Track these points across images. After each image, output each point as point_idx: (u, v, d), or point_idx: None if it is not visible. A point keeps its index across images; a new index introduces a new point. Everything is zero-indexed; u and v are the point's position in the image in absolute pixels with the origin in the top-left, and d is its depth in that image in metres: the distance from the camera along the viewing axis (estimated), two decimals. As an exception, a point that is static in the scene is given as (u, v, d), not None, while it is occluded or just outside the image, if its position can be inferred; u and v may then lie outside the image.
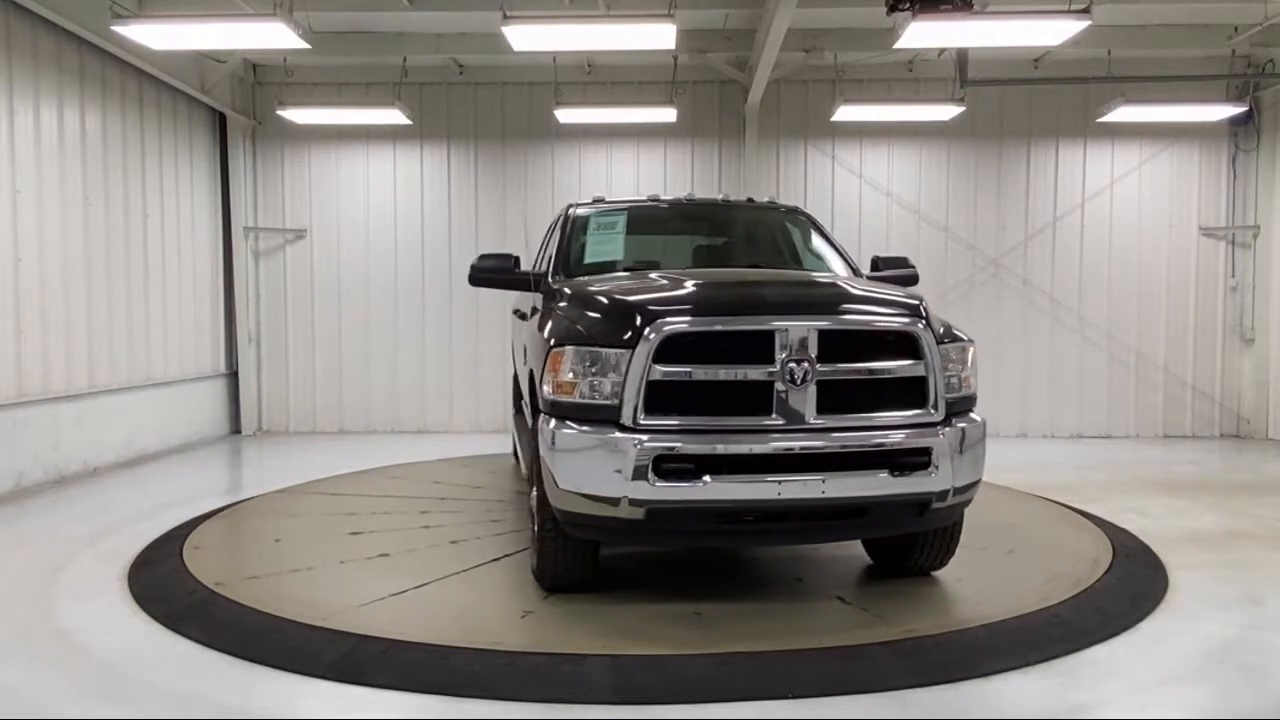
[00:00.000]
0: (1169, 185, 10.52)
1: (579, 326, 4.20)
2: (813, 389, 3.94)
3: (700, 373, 3.91)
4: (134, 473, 8.13)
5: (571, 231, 5.51)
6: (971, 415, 4.32)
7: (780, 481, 3.88)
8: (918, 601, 4.46)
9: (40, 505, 6.77)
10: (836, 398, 3.99)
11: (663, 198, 6.33)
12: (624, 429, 3.90)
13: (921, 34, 7.17)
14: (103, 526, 6.05)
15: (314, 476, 7.57)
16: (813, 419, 3.95)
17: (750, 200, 6.50)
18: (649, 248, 5.93)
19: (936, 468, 4.03)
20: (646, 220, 5.96)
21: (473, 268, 5.34)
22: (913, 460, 4.01)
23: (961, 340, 4.34)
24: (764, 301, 4.14)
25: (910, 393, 4.10)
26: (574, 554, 4.36)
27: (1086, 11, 6.81)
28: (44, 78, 7.55)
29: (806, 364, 3.91)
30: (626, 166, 10.63)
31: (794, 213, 6.17)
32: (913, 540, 4.62)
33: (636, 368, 3.87)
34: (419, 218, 10.71)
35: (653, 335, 3.87)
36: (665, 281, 4.52)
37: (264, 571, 4.90)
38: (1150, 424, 10.59)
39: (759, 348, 3.92)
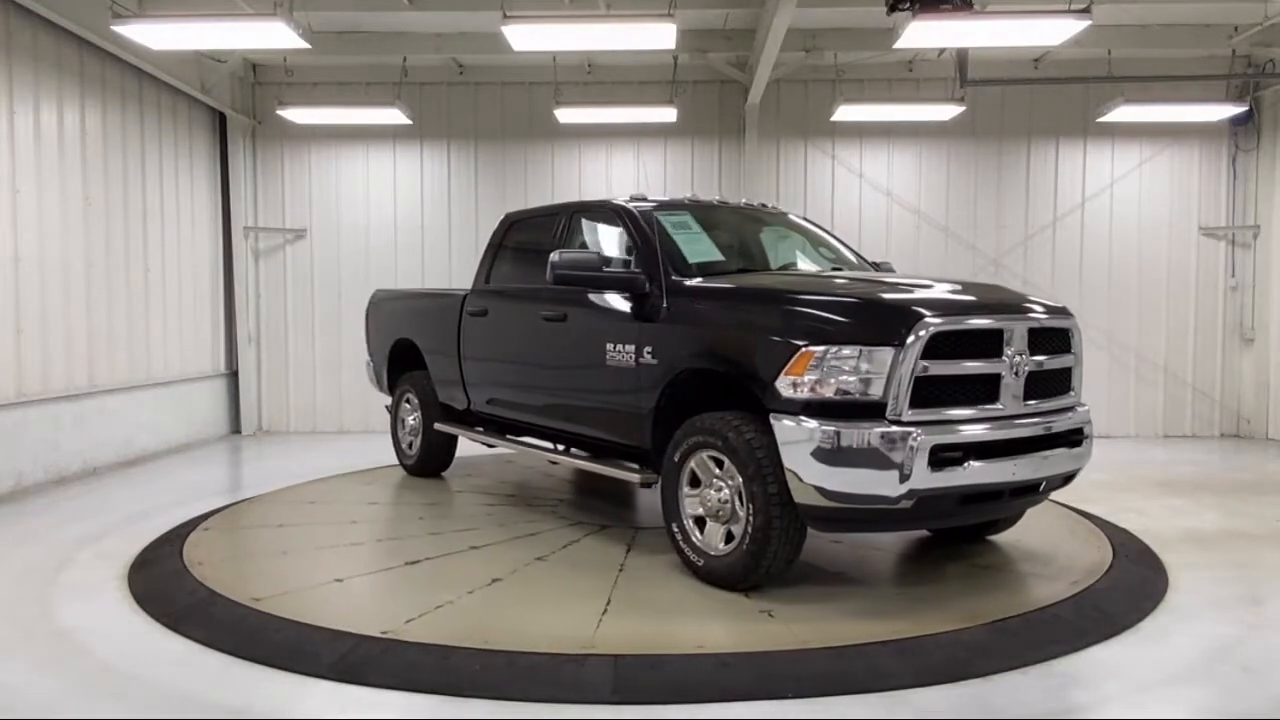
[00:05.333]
0: (1169, 185, 10.52)
1: (820, 326, 4.24)
2: (1023, 380, 4.41)
3: (955, 367, 4.22)
4: (134, 472, 8.13)
5: (651, 232, 5.41)
6: None
7: (1016, 462, 4.32)
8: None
9: (40, 505, 6.77)
10: (1033, 386, 4.50)
11: (700, 199, 6.28)
12: (893, 423, 4.05)
13: (921, 34, 7.18)
14: (102, 526, 6.05)
15: (316, 476, 7.57)
16: (1023, 406, 4.44)
17: (764, 205, 6.79)
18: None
19: (1088, 443, 4.75)
20: (705, 223, 5.91)
21: (554, 264, 5.20)
22: (1079, 438, 4.68)
23: None
24: (996, 303, 4.64)
25: (1064, 381, 4.74)
26: (792, 548, 4.42)
27: (1086, 11, 6.81)
28: (44, 78, 7.55)
29: (1026, 357, 4.41)
30: (626, 166, 10.63)
31: (806, 220, 6.53)
32: None
33: (906, 364, 4.06)
34: (419, 217, 10.72)
35: (922, 333, 4.10)
36: (873, 282, 4.83)
37: (413, 609, 4.23)
38: (1150, 424, 10.59)
39: (993, 344, 4.34)
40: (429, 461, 7.44)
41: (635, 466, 5.26)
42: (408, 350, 7.49)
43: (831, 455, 4.04)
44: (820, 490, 4.10)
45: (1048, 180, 10.55)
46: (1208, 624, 4.25)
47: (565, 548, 5.35)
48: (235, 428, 10.73)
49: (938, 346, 4.14)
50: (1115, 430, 10.53)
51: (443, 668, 3.67)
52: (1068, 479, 4.75)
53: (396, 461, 7.86)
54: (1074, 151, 10.51)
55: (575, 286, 5.36)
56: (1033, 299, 4.86)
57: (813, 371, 4.12)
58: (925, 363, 4.10)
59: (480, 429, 6.83)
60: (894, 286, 4.72)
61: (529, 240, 6.49)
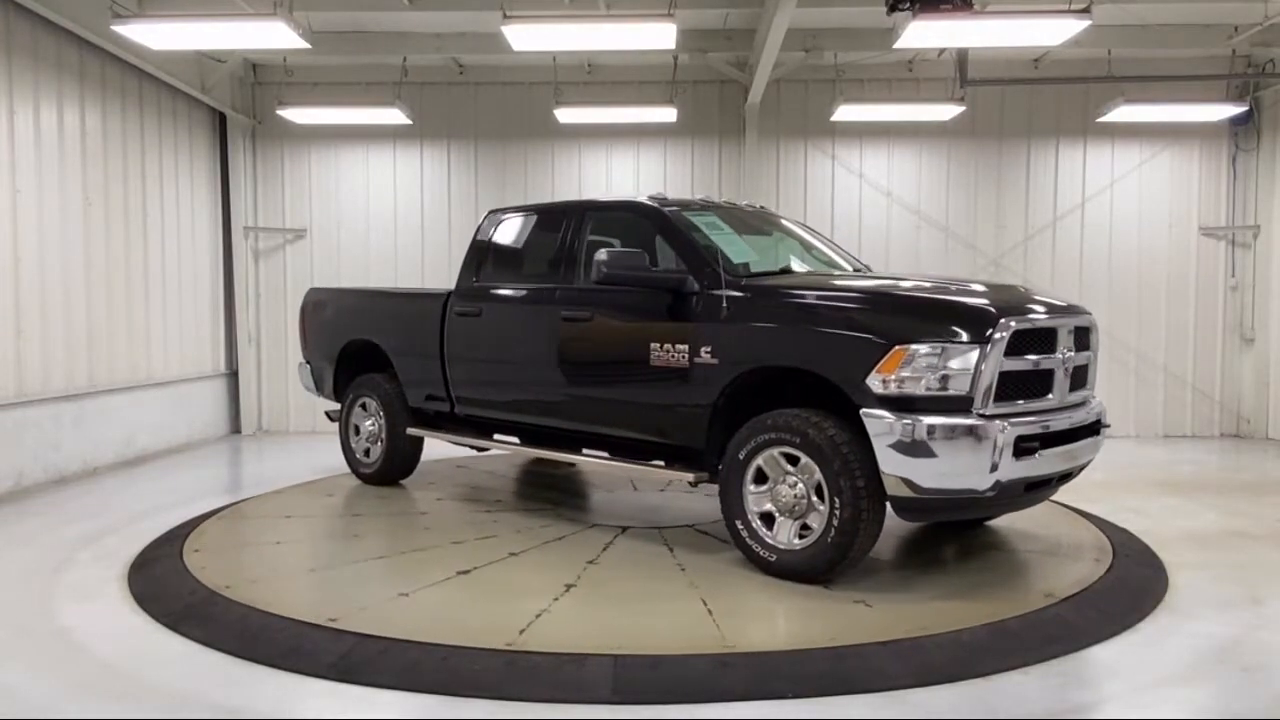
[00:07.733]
0: (1169, 185, 10.51)
1: (912, 326, 4.39)
2: (1069, 374, 4.73)
3: (1026, 363, 4.48)
4: (134, 472, 8.13)
5: (693, 233, 5.38)
6: None
7: (1068, 450, 4.62)
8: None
9: (40, 505, 6.77)
10: (1072, 380, 4.81)
11: (710, 200, 6.32)
12: (981, 416, 4.27)
13: (921, 34, 7.17)
14: (102, 526, 6.05)
15: (317, 477, 7.56)
16: (1067, 398, 4.74)
17: (763, 206, 6.94)
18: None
19: (1105, 432, 5.05)
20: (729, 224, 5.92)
21: (602, 264, 5.15)
22: (1101, 426, 5.02)
23: None
24: (1053, 304, 4.91)
25: (1083, 375, 5.02)
26: (874, 539, 4.57)
27: (1086, 11, 6.81)
28: (44, 78, 7.55)
29: (1073, 353, 4.75)
30: (626, 166, 10.63)
31: (795, 222, 6.68)
32: None
33: (992, 360, 4.30)
34: (419, 217, 10.72)
35: (1005, 332, 4.34)
36: (941, 284, 5.02)
37: (515, 619, 4.11)
38: (1150, 424, 10.59)
39: (1051, 342, 4.64)
40: (392, 469, 7.06)
41: (661, 464, 5.31)
42: (360, 352, 7.20)
43: (924, 448, 4.21)
44: (909, 483, 4.27)
45: (1048, 180, 10.54)
46: (1208, 624, 4.25)
47: (605, 550, 5.29)
48: (235, 428, 10.72)
49: (1014, 344, 4.38)
50: (1115, 430, 10.40)
51: (442, 668, 3.67)
52: (1083, 466, 5.00)
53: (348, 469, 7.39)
54: (1074, 151, 10.50)
55: (625, 286, 5.25)
56: (1055, 299, 5.07)
57: (904, 369, 4.28)
58: (1005, 359, 4.33)
59: (450, 431, 6.65)
60: (963, 290, 4.90)
61: (528, 239, 6.36)
